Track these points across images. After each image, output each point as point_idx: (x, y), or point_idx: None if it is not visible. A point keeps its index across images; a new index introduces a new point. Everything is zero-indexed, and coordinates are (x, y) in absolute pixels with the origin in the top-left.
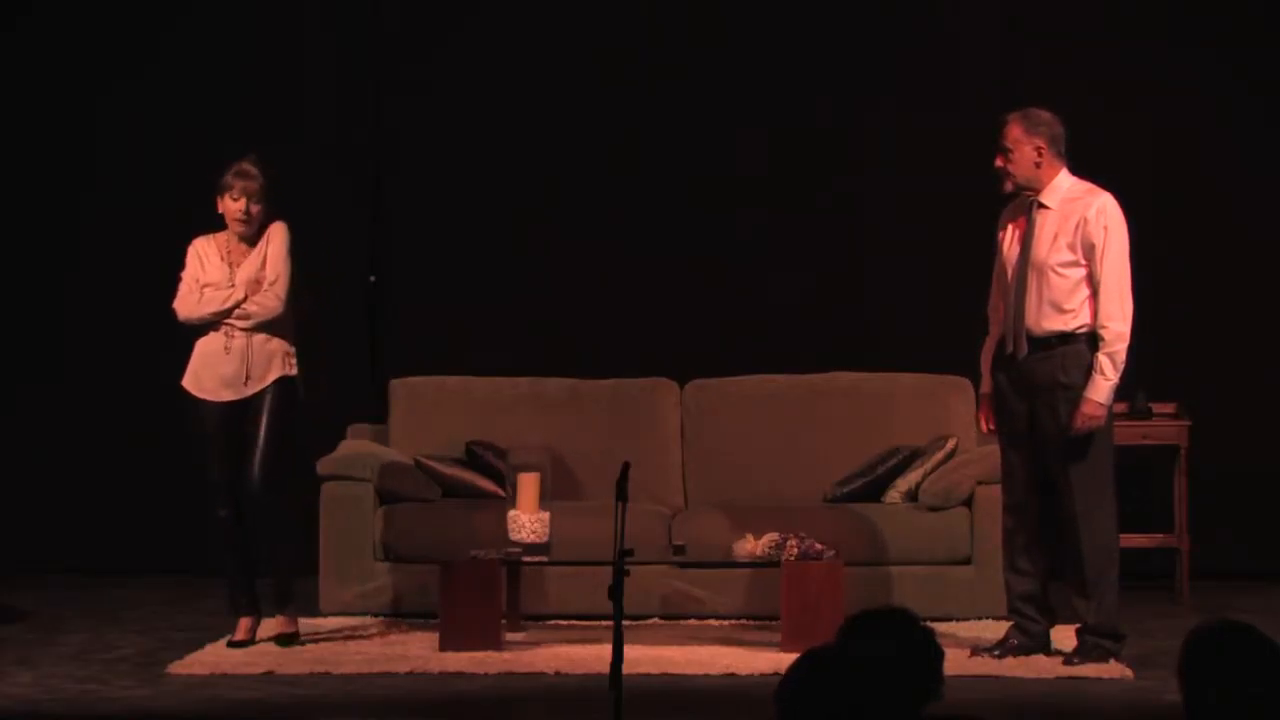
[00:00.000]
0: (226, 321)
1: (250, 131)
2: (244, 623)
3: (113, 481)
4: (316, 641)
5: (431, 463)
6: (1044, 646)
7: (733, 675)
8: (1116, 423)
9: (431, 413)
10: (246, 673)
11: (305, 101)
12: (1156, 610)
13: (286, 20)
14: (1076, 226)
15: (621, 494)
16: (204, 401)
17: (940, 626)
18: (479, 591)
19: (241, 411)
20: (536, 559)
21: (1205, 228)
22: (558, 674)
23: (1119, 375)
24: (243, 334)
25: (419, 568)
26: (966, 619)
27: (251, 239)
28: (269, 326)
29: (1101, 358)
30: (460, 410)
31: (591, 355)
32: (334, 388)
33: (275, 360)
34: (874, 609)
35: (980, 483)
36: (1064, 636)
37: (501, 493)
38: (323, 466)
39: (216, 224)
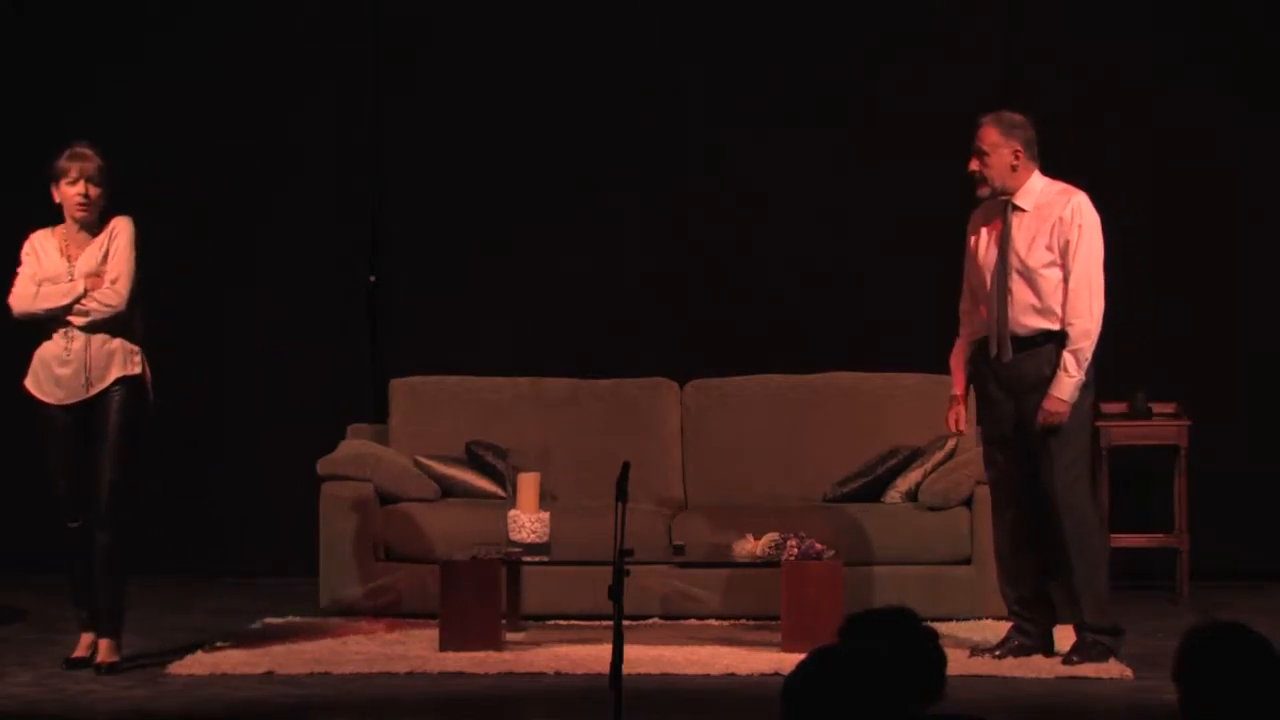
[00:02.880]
0: (67, 318)
1: (249, 131)
2: (87, 639)
3: None
4: (316, 641)
5: (431, 462)
6: (1045, 646)
7: (733, 675)
8: (1116, 424)
9: (431, 412)
10: (246, 673)
11: (305, 101)
12: (1156, 610)
13: (286, 20)
14: (1053, 227)
15: (621, 494)
16: (46, 405)
17: (940, 626)
18: (479, 591)
19: (84, 417)
20: (536, 559)
21: (1205, 228)
22: (558, 674)
23: (1084, 373)
24: (82, 335)
25: (419, 568)
26: (966, 619)
27: (91, 229)
28: (109, 326)
29: (1066, 355)
30: (460, 410)
31: (592, 355)
32: (334, 387)
33: (115, 359)
34: (874, 609)
35: (980, 483)
36: (1065, 635)
37: (501, 493)
38: (323, 466)
39: (54, 218)
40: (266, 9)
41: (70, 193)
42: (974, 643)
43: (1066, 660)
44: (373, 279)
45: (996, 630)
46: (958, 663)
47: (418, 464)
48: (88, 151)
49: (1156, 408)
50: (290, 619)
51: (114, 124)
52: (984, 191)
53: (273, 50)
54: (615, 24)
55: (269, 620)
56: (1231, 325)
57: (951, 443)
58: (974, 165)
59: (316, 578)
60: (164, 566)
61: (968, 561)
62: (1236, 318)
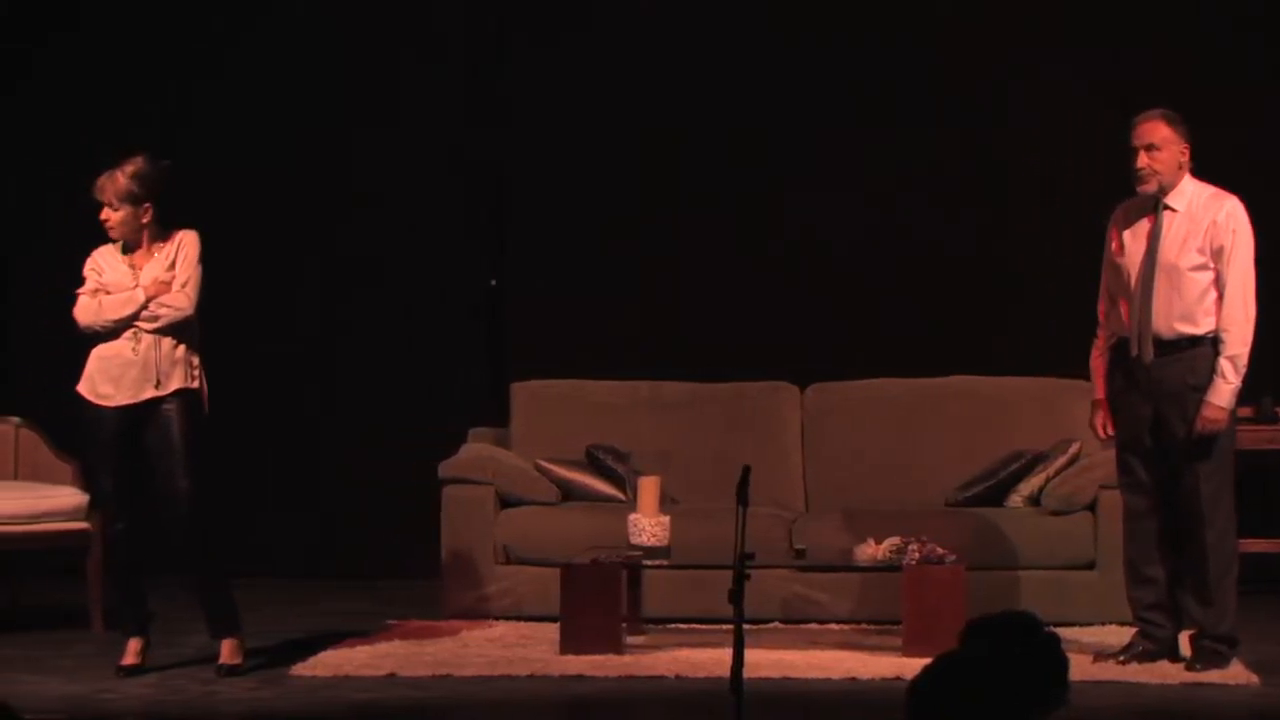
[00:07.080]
0: (135, 324)
1: (369, 134)
2: (133, 645)
3: (231, 482)
4: (437, 644)
5: (552, 466)
6: (1171, 652)
7: (854, 680)
8: (1242, 428)
9: (552, 416)
10: (369, 675)
11: (426, 103)
12: None
13: (407, 22)
14: (1206, 230)
15: (742, 498)
16: (99, 408)
17: (1063, 631)
18: (599, 595)
19: (139, 419)
20: (657, 562)
21: None
22: (678, 677)
23: (1241, 379)
24: (150, 336)
25: (539, 571)
26: (1090, 624)
27: (137, 243)
28: (178, 332)
29: (1223, 362)
30: (580, 414)
31: (712, 358)
32: (456, 391)
33: (179, 368)
34: (997, 614)
35: (1104, 487)
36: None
37: (622, 496)
38: (444, 470)
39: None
40: (392, 8)
41: (102, 215)
42: (1098, 648)
43: (1189, 667)
44: (494, 283)
45: (1120, 635)
46: (1081, 668)
47: (538, 467)
48: (115, 172)
49: None
50: (412, 621)
51: (231, 126)
52: (1149, 187)
53: (394, 50)
54: (737, 23)
55: (391, 622)
56: None
57: (1075, 447)
58: (1143, 160)
59: (438, 580)
60: (288, 569)
61: (1091, 566)
62: None
